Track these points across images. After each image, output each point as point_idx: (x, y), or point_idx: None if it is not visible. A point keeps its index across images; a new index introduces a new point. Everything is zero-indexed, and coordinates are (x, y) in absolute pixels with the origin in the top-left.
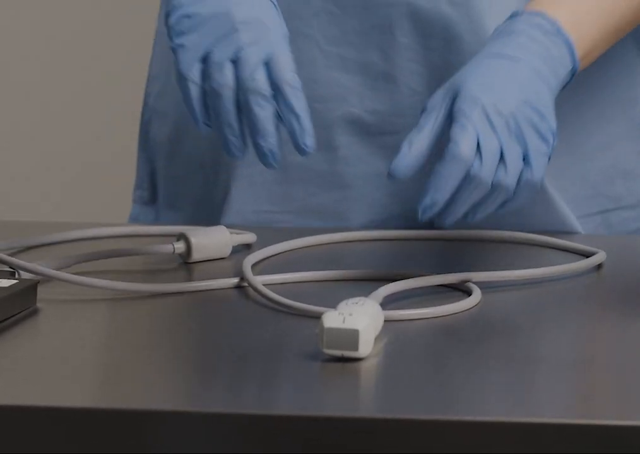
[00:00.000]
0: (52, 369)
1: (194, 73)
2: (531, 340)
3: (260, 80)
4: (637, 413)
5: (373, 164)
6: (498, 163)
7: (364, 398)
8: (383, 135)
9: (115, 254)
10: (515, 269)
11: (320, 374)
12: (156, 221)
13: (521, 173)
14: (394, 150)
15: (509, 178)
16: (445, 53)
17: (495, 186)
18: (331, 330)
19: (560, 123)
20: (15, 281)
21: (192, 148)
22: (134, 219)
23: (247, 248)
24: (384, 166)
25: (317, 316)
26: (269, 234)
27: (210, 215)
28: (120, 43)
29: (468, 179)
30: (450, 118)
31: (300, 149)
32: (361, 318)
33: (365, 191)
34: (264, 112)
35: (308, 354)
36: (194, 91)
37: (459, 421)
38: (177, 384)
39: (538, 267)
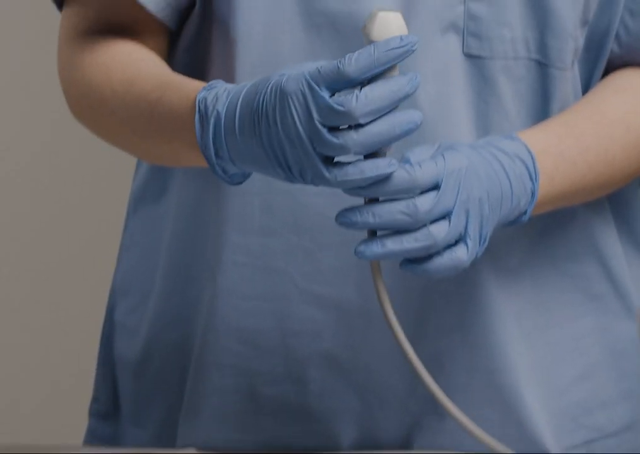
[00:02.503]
0: None
1: None
2: None
3: None
4: None
5: (344, 400)
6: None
7: None
8: (356, 372)
9: None
10: None
11: None
12: (116, 437)
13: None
14: (366, 388)
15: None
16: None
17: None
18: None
19: (533, 358)
20: None
21: (159, 369)
22: (91, 433)
23: None
24: (355, 402)
25: None
26: None
27: (175, 435)
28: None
29: None
30: None
31: None
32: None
33: (335, 426)
34: None
35: None
36: None
37: None
38: None
39: None
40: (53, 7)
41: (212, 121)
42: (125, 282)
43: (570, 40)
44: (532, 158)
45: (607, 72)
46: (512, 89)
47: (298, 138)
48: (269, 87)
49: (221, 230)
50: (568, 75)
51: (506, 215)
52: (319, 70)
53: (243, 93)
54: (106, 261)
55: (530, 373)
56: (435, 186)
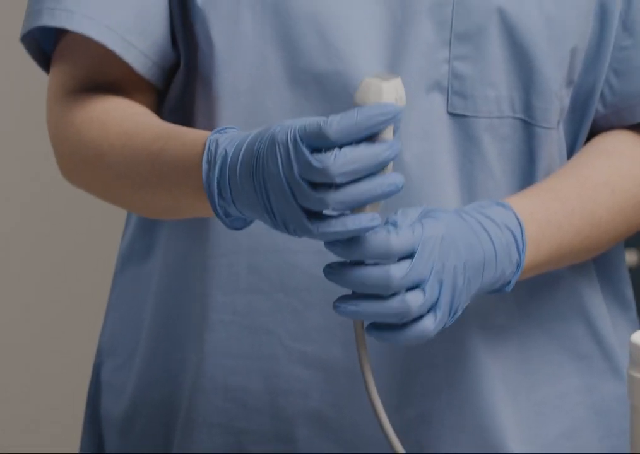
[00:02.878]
0: None
1: None
2: None
3: None
4: None
5: None
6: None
7: None
8: (343, 429)
9: None
10: None
11: None
12: None
13: None
14: (354, 446)
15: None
16: None
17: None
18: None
19: (519, 417)
20: None
21: (146, 426)
22: None
23: None
24: None
25: None
26: None
27: None
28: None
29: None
30: None
31: None
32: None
33: None
34: None
35: None
36: None
37: None
38: None
39: None
40: None
41: (219, 161)
42: (112, 341)
43: (555, 99)
44: (521, 229)
45: (592, 132)
46: (497, 148)
47: (280, 188)
48: (267, 134)
49: (207, 289)
50: (554, 135)
51: (489, 283)
52: (305, 126)
53: (250, 137)
54: (93, 321)
55: (516, 431)
56: (411, 255)
